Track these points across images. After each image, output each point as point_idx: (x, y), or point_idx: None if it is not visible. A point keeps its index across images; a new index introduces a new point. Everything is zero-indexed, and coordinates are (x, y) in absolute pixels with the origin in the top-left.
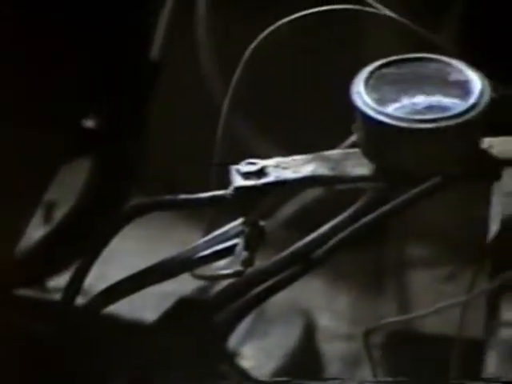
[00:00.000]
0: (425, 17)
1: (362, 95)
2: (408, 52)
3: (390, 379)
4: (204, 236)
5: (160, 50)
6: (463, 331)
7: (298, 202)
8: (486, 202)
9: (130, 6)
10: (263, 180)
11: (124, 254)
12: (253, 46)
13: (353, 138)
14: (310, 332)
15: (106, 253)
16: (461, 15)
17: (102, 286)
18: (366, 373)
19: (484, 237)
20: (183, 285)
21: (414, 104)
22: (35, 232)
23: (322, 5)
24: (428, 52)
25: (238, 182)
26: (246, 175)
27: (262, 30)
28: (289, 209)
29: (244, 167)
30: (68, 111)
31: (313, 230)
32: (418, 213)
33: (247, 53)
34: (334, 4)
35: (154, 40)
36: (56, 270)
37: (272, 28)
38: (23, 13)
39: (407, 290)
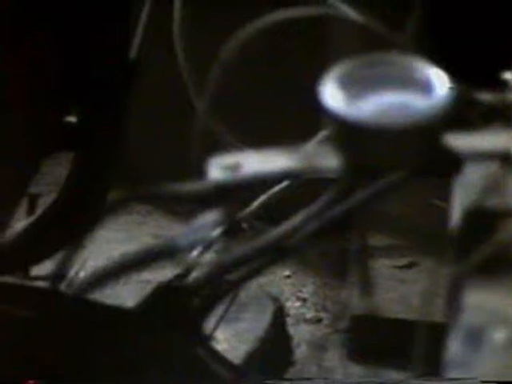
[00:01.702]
0: (386, 17)
1: (331, 93)
2: (371, 52)
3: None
4: (183, 226)
5: (138, 48)
6: (426, 316)
7: (271, 194)
8: (443, 193)
9: (109, 5)
10: (239, 173)
11: (103, 244)
12: (229, 45)
13: (323, 133)
14: (279, 316)
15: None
16: (421, 14)
17: (83, 274)
18: (331, 355)
19: (443, 226)
20: (161, 273)
21: (379, 102)
22: (19, 223)
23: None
24: (391, 51)
25: (215, 174)
26: (223, 168)
27: (236, 28)
28: (262, 200)
29: (221, 160)
30: (50, 106)
31: (283, 221)
32: (380, 204)
33: (222, 55)
34: (302, 6)
35: (133, 38)
36: (38, 259)
37: (247, 29)
38: (3, 14)
39: (370, 278)
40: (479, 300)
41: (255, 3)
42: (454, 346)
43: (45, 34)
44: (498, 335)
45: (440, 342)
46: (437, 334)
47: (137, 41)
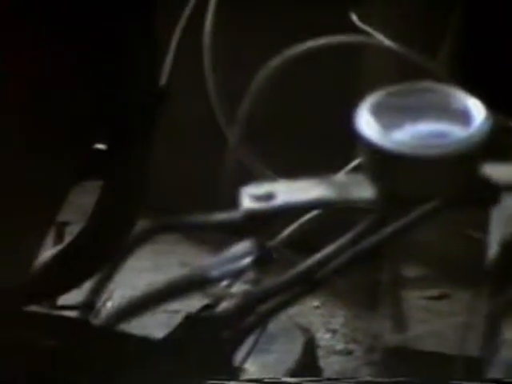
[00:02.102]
0: (419, 47)
1: (366, 122)
2: (406, 81)
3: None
4: (213, 256)
5: (167, 77)
6: (462, 350)
7: (302, 224)
8: (478, 223)
9: (137, 32)
10: (272, 203)
11: (128, 272)
12: (260, 75)
13: (356, 162)
14: (309, 348)
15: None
16: (456, 43)
17: (110, 303)
18: None
19: (477, 257)
20: (190, 303)
21: (416, 131)
22: (47, 252)
23: (324, 35)
24: (425, 80)
25: (247, 204)
26: (255, 198)
27: (265, 57)
28: (292, 229)
29: (253, 190)
30: (78, 134)
31: (315, 251)
32: (413, 233)
33: (254, 83)
34: (334, 34)
35: (162, 66)
36: (65, 289)
37: (279, 58)
38: (38, 40)
39: (402, 309)
40: None
41: (288, 32)
42: None
43: (73, 59)
44: None
45: (476, 377)
46: (473, 368)
47: (166, 68)
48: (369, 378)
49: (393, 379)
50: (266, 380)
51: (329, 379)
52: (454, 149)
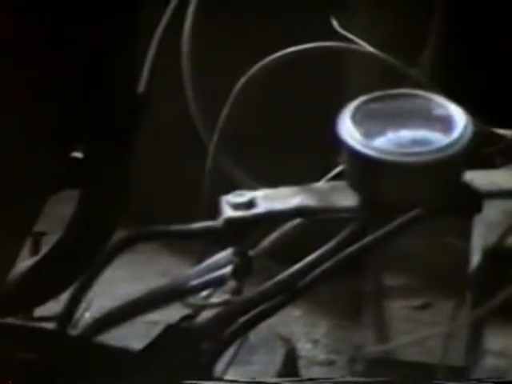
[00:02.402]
0: (401, 53)
1: (348, 129)
2: (388, 87)
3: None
4: (193, 265)
5: (146, 84)
6: (445, 360)
7: (282, 232)
8: (461, 233)
9: (114, 41)
10: (253, 211)
11: (108, 283)
12: (240, 82)
13: (337, 170)
14: (291, 359)
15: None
16: (438, 49)
17: (88, 314)
18: None
19: (459, 266)
20: (170, 313)
21: (398, 138)
22: (23, 262)
23: (307, 41)
24: (407, 87)
25: (228, 212)
26: (236, 206)
27: (247, 65)
28: (273, 238)
29: (234, 198)
30: (55, 143)
31: (296, 260)
32: (394, 242)
33: (235, 90)
34: (318, 40)
35: (140, 74)
36: (42, 300)
37: (259, 65)
38: (14, 46)
39: (384, 319)
40: (501, 345)
41: (268, 36)
42: None
43: (52, 67)
44: None
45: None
46: (456, 378)
47: (144, 76)
48: (348, 378)
49: (369, 379)
50: (242, 380)
51: (310, 379)
52: (435, 156)
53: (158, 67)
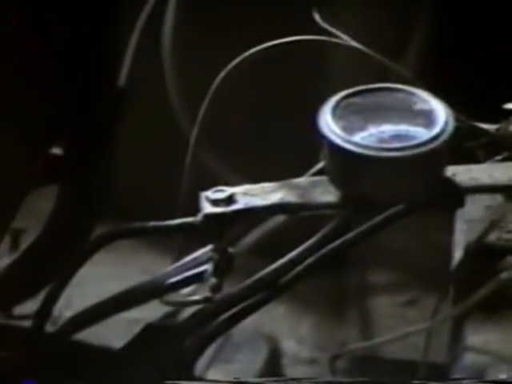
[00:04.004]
0: (386, 47)
1: (329, 124)
2: (371, 82)
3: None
4: (173, 262)
5: (126, 77)
6: (427, 356)
7: (264, 229)
8: (445, 228)
9: (94, 33)
10: (232, 207)
11: (89, 280)
12: (221, 76)
13: (319, 166)
14: (274, 357)
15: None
16: (423, 44)
17: (68, 312)
18: None
19: (444, 263)
20: (151, 311)
21: (380, 133)
22: (1, 260)
23: (291, 35)
24: (391, 82)
25: (208, 208)
26: (215, 202)
27: (229, 58)
28: (255, 235)
29: (213, 194)
30: (35, 138)
31: (278, 256)
32: (379, 239)
33: (215, 83)
34: (300, 34)
35: (121, 68)
36: (22, 298)
37: (239, 58)
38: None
39: (369, 316)
40: (482, 340)
41: (250, 30)
42: None
43: (31, 62)
44: (501, 376)
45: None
46: (438, 374)
47: (125, 69)
48: (330, 379)
49: (353, 379)
50: (224, 380)
51: (292, 379)
52: (417, 151)
53: (138, 61)
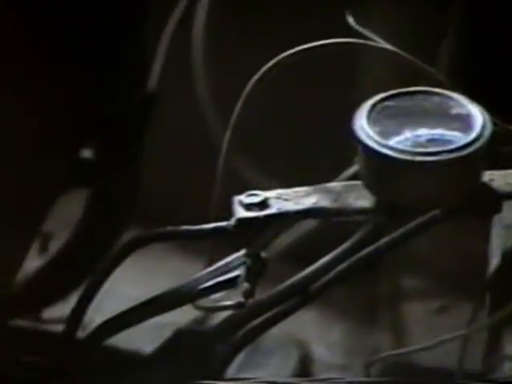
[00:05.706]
0: (417, 51)
1: (364, 128)
2: (402, 85)
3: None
4: (204, 267)
5: (157, 82)
6: (462, 364)
7: (297, 234)
8: (478, 235)
9: (125, 38)
10: (265, 211)
11: (119, 284)
12: (253, 80)
13: (352, 170)
14: (305, 363)
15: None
16: (455, 46)
17: (98, 317)
18: None
19: (479, 270)
20: (181, 316)
21: (416, 137)
22: (31, 263)
23: (322, 38)
24: (422, 85)
25: (241, 213)
26: (248, 207)
27: (260, 62)
28: (287, 240)
29: (246, 198)
30: (65, 142)
31: (311, 262)
32: (411, 245)
33: (248, 87)
34: (333, 37)
35: (151, 72)
36: (51, 301)
37: (273, 62)
38: (23, 46)
39: (400, 322)
40: None
41: (281, 35)
42: None
43: (62, 67)
44: None
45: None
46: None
47: (155, 74)
48: (347, 378)
49: (368, 378)
50: (257, 380)
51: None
52: (454, 155)
53: (168, 64)
